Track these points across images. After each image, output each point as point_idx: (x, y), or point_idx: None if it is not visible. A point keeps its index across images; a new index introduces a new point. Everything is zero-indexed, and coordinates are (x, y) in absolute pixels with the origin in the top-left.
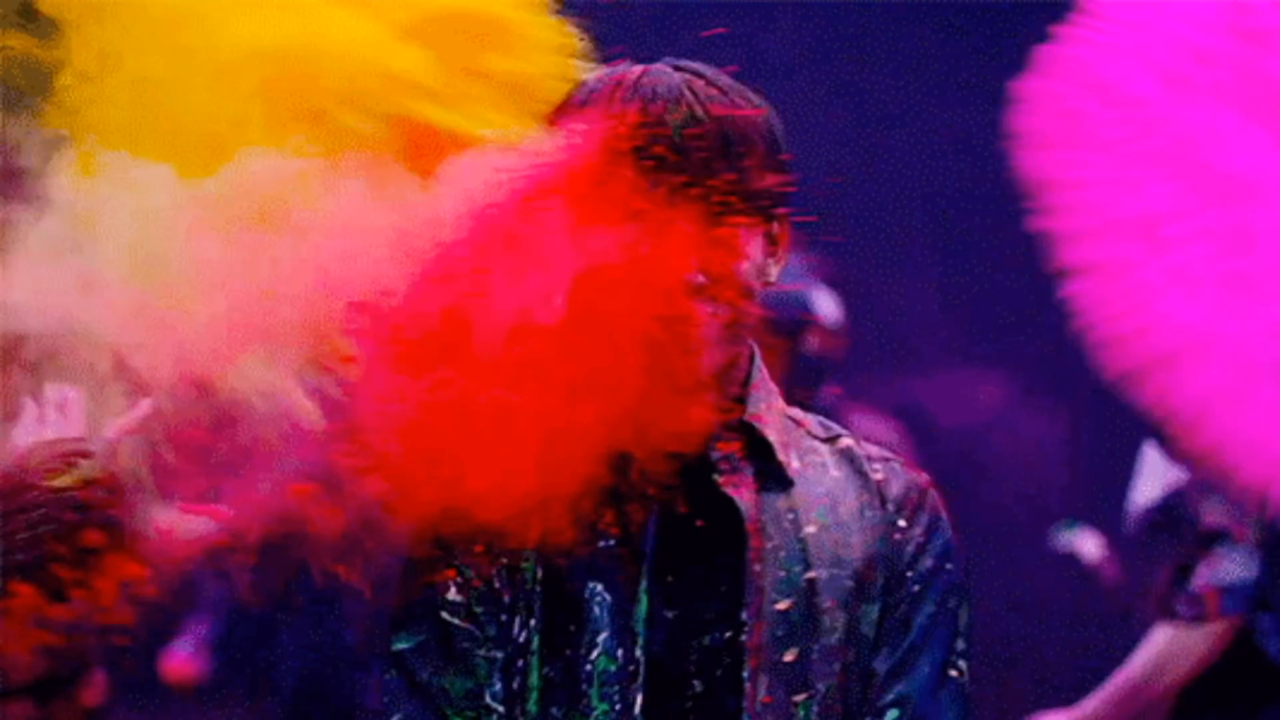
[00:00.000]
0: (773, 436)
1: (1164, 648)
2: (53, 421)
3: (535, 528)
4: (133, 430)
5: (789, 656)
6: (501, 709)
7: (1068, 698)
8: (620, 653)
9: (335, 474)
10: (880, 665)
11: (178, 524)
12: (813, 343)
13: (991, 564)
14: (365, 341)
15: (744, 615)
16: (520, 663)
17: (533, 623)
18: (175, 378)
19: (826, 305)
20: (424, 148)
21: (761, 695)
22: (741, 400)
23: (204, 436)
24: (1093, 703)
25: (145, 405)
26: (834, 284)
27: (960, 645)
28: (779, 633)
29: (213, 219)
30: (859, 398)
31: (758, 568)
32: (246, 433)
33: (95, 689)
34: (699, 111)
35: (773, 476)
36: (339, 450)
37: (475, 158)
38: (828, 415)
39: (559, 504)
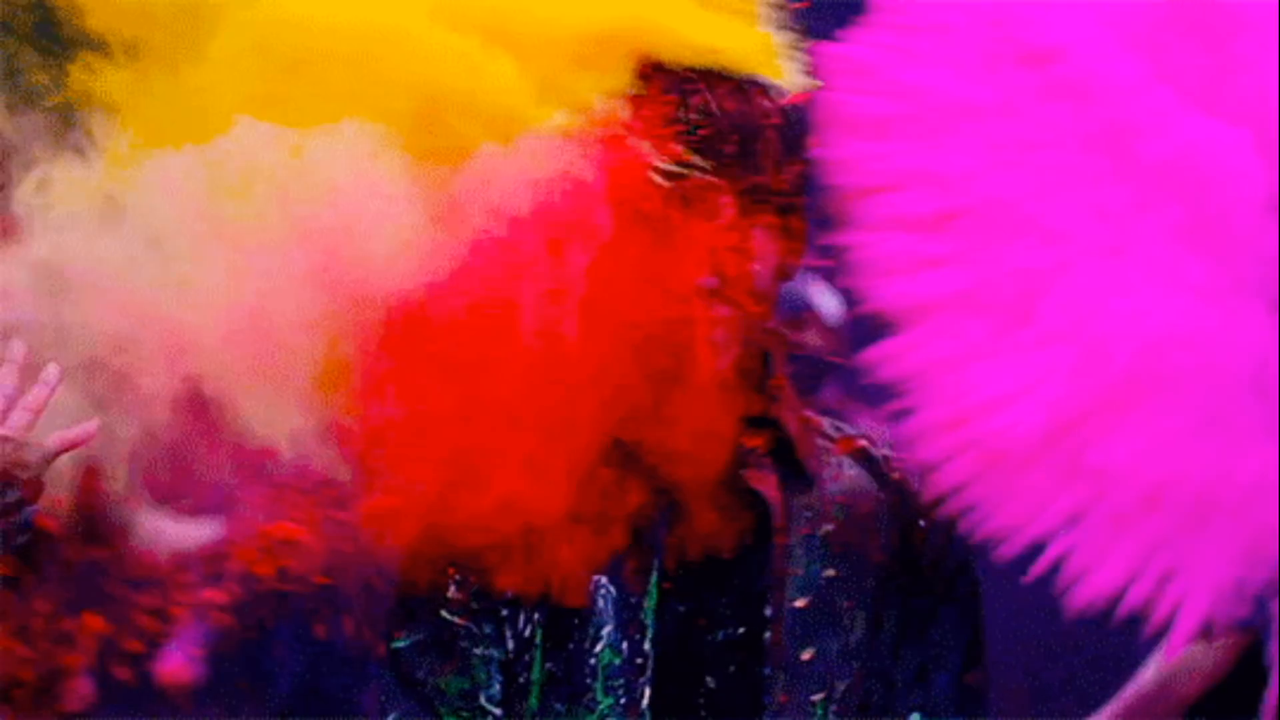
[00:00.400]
0: (794, 435)
1: (1175, 661)
2: (4, 388)
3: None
4: (76, 445)
5: (806, 655)
6: (498, 711)
7: (1063, 698)
8: (625, 645)
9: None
10: (901, 669)
11: (170, 530)
12: (813, 340)
13: (987, 564)
14: (377, 349)
15: (767, 612)
16: (526, 657)
17: (536, 616)
18: (170, 381)
19: (827, 302)
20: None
21: (779, 694)
22: (761, 400)
23: (200, 450)
24: (1102, 717)
25: (93, 425)
26: (834, 280)
27: (978, 650)
28: (797, 631)
29: (203, 190)
30: (858, 395)
31: (778, 564)
32: (249, 455)
33: (79, 695)
34: (713, 106)
35: (793, 474)
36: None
37: (501, 159)
38: (830, 414)
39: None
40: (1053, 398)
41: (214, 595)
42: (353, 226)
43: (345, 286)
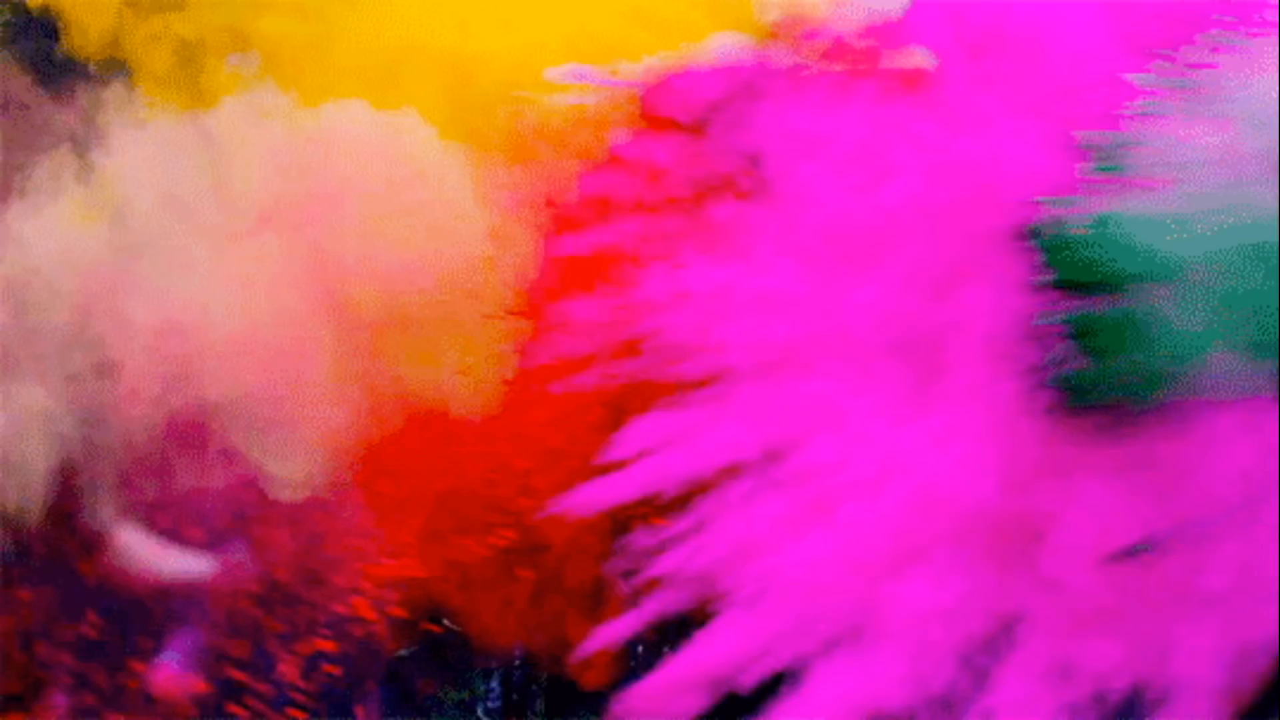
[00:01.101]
0: None
1: None
2: None
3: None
4: None
5: None
6: None
7: None
8: (640, 647)
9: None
10: None
11: (146, 552)
12: None
13: None
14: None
15: None
16: (535, 661)
17: None
18: (160, 388)
19: None
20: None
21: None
22: None
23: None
24: None
25: None
26: None
27: None
28: None
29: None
30: None
31: None
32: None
33: (53, 709)
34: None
35: None
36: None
37: (542, 182)
38: None
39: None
40: (981, 461)
41: (323, 645)
42: (363, 217)
43: (351, 288)
